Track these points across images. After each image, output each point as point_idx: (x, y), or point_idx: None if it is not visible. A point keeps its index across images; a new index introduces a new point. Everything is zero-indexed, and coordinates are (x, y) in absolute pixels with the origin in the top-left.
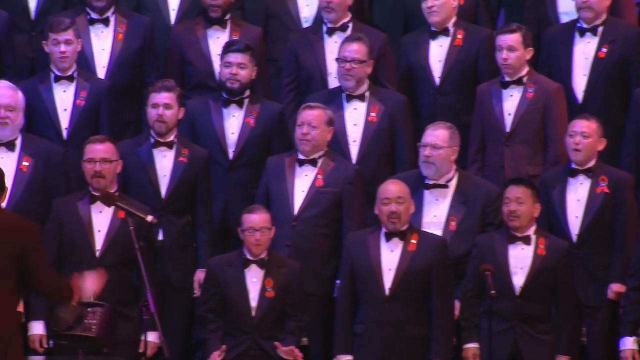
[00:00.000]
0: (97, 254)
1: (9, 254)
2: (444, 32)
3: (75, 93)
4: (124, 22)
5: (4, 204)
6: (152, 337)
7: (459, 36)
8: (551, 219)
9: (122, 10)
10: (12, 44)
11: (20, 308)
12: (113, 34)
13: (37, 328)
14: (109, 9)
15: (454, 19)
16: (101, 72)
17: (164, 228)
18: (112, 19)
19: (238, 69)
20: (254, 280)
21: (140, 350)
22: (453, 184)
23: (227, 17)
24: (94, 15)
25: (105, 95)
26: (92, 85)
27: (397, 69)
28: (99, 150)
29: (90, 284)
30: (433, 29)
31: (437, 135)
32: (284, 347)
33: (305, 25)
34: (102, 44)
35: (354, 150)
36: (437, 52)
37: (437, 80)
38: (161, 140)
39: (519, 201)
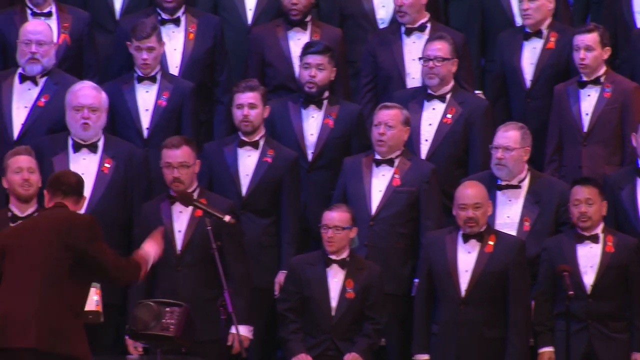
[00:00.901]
0: (178, 253)
1: (60, 245)
2: (537, 34)
3: (158, 94)
4: (195, 21)
5: (83, 209)
6: (242, 331)
7: (552, 39)
8: (620, 220)
9: (192, 10)
10: (94, 45)
11: (99, 307)
12: (184, 34)
13: None
14: (179, 9)
15: (548, 21)
16: (174, 72)
17: (246, 228)
18: (182, 19)
19: (317, 70)
20: (335, 280)
21: (229, 344)
22: (525, 184)
23: (308, 18)
24: (164, 16)
25: (188, 97)
26: (175, 86)
27: (475, 69)
28: (176, 155)
29: (150, 248)
30: (527, 30)
31: (509, 136)
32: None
33: (381, 26)
34: (174, 44)
35: (424, 149)
36: (529, 54)
37: (528, 84)
38: (247, 140)
39: (589, 202)
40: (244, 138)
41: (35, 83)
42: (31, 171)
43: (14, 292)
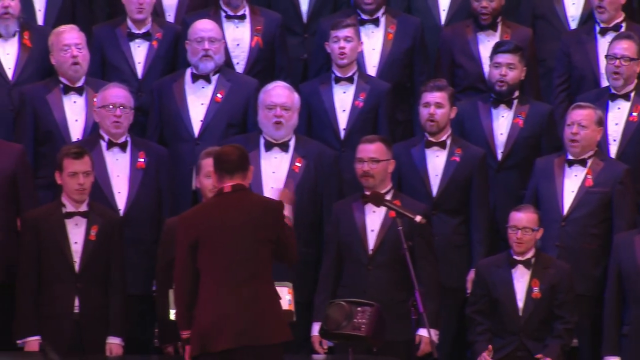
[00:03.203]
0: (370, 252)
1: (258, 235)
2: None
3: (355, 94)
4: (394, 22)
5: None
6: (426, 333)
7: None
8: None
9: (392, 11)
10: (285, 46)
11: (292, 307)
12: (383, 34)
13: (317, 329)
14: (379, 10)
15: None
16: (372, 71)
17: (436, 228)
18: (382, 20)
19: (507, 69)
20: (520, 281)
21: (416, 343)
22: None
23: (498, 19)
24: (363, 17)
25: (384, 97)
26: (372, 86)
27: None
28: (368, 150)
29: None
30: None
31: None
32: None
33: (572, 24)
34: (373, 43)
35: (613, 149)
36: None
37: None
38: (434, 140)
39: None
40: (430, 138)
41: (208, 81)
42: None
43: (224, 289)
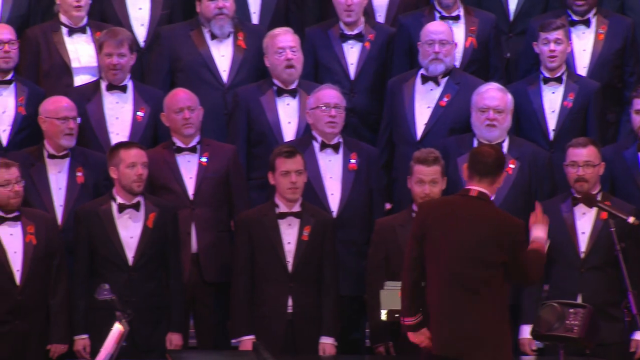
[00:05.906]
0: (582, 255)
1: (492, 251)
2: None
3: (564, 95)
4: (605, 22)
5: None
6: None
7: None
8: None
9: (603, 11)
10: (500, 47)
11: None
12: (594, 35)
13: (526, 332)
14: (590, 11)
15: None
16: (583, 72)
17: None
18: (592, 20)
19: None
20: None
21: (631, 350)
22: None
23: None
24: (574, 17)
25: (593, 97)
26: (581, 86)
27: None
28: (582, 154)
29: (540, 233)
30: None
31: None
32: None
33: None
34: (583, 44)
35: None
36: None
37: None
38: None
39: None
40: None
41: (437, 83)
42: (434, 183)
43: (448, 301)
